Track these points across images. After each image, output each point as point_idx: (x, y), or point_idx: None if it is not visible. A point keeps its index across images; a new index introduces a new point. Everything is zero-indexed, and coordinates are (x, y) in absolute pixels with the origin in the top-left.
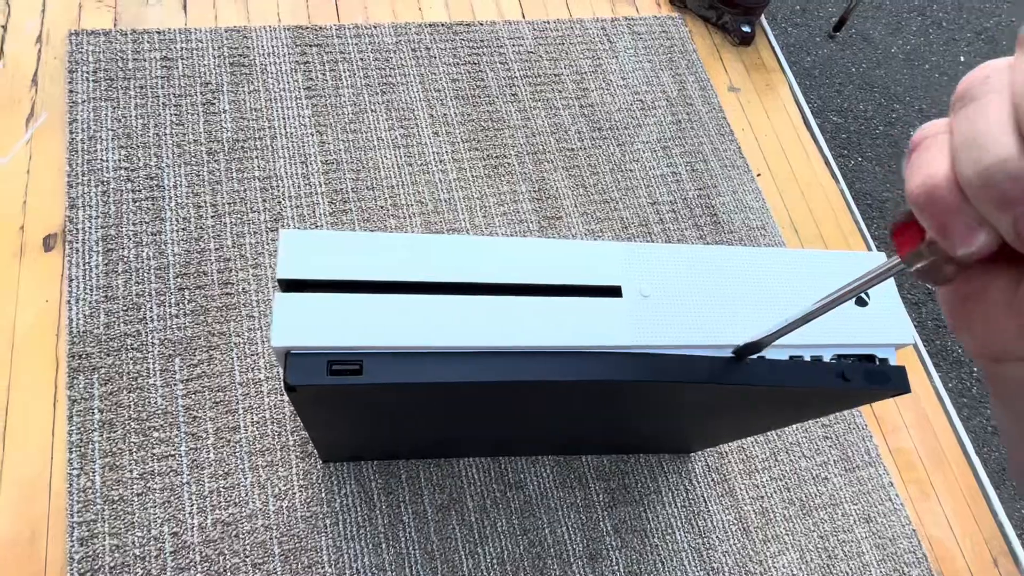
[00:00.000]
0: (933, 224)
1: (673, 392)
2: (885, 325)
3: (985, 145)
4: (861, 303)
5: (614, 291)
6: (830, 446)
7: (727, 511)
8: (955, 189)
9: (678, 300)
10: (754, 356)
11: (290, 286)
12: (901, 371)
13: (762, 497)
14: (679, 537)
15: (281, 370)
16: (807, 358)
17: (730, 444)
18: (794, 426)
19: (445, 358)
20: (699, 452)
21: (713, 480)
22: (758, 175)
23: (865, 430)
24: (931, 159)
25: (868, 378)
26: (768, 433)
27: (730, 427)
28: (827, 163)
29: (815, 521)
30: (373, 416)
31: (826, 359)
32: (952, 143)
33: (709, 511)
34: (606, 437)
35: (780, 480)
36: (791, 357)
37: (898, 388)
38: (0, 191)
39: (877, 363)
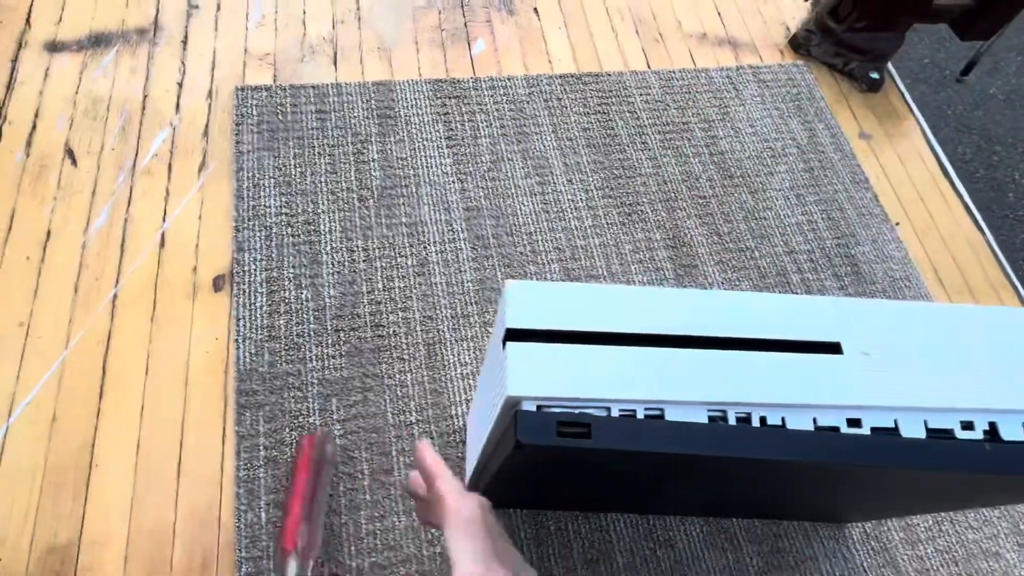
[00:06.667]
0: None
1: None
2: None
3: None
4: None
5: (833, 347)
6: (999, 517)
7: None
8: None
9: (903, 360)
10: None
11: (515, 336)
12: None
13: (927, 570)
14: None
15: (492, 423)
16: None
17: None
18: None
19: (671, 428)
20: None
21: (872, 549)
22: (897, 224)
23: None
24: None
25: None
26: None
27: (916, 504)
28: (969, 212)
29: None
30: (562, 472)
31: None
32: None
33: None
34: (767, 504)
35: (946, 553)
36: None
37: None
38: (176, 235)
39: None
